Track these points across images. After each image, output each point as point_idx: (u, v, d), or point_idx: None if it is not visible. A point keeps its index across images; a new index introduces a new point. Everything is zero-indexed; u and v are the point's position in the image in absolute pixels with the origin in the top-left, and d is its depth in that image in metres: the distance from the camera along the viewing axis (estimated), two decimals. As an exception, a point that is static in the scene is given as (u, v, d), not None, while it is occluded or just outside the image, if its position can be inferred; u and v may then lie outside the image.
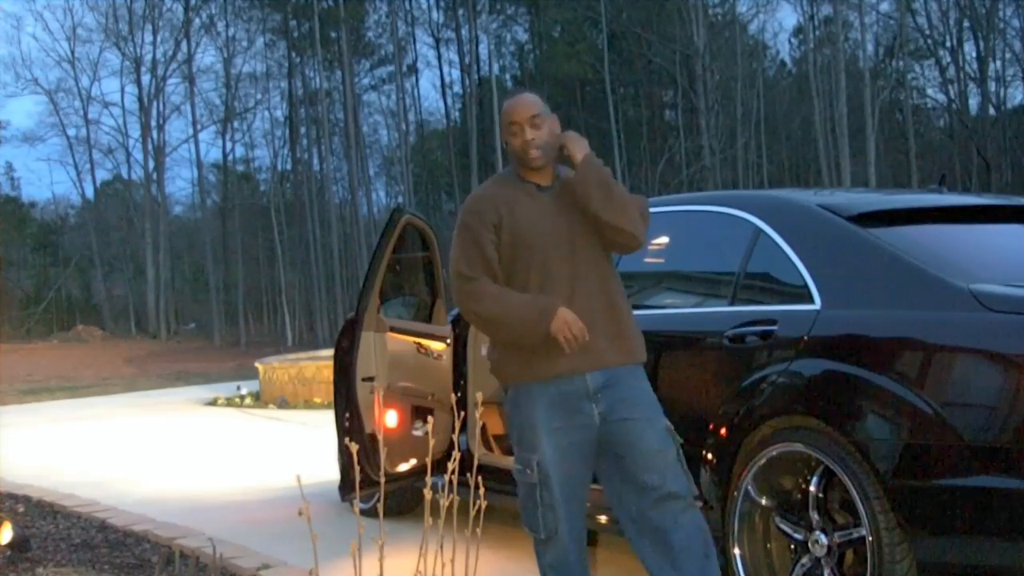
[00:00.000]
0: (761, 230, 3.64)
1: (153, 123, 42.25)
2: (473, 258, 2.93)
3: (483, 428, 5.19)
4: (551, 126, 2.97)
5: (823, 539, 3.22)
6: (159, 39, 42.07)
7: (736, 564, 3.44)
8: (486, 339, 5.15)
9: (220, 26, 41.24)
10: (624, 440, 2.89)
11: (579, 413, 2.89)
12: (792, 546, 3.35)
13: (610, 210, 2.88)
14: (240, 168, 47.42)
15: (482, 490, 2.68)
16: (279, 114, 43.28)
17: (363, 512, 2.82)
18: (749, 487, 3.41)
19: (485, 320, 2.97)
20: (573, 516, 2.94)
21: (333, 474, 4.79)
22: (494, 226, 2.93)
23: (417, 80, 45.54)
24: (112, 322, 44.94)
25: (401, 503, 4.98)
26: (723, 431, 3.51)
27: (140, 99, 42.33)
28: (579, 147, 2.95)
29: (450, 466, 2.66)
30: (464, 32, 42.59)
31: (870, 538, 3.03)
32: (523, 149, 2.94)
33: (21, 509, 5.51)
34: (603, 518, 3.82)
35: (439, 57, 44.76)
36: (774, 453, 3.34)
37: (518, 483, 2.94)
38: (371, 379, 4.46)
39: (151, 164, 42.24)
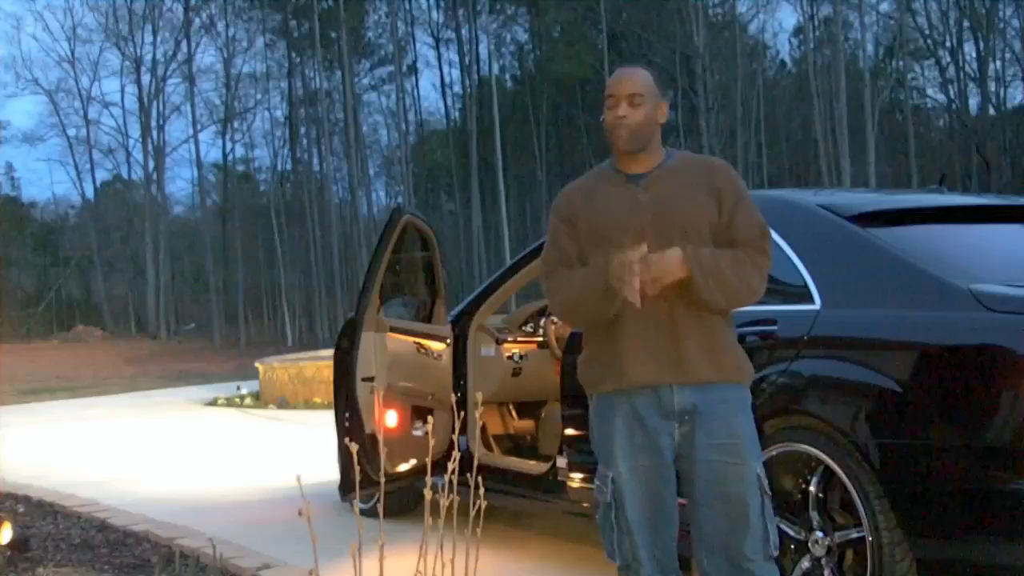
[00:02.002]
0: (761, 230, 3.63)
1: (153, 123, 42.33)
2: (550, 255, 2.74)
3: (483, 428, 5.20)
4: (654, 111, 2.66)
5: (823, 539, 3.23)
6: (159, 39, 42.22)
7: (736, 564, 3.43)
8: (487, 339, 5.21)
9: (220, 26, 41.38)
10: (702, 484, 2.60)
11: (661, 432, 2.62)
12: (792, 546, 3.35)
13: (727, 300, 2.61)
14: (240, 168, 47.53)
15: (482, 490, 2.67)
16: (279, 114, 43.43)
17: (363, 512, 2.80)
18: (749, 487, 3.40)
19: (565, 309, 2.73)
20: (657, 543, 2.64)
21: (333, 474, 4.79)
22: (570, 219, 2.72)
23: (417, 80, 45.70)
24: (112, 322, 45.00)
25: (401, 503, 4.98)
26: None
27: (140, 99, 42.41)
28: (671, 272, 2.51)
29: (450, 466, 2.65)
30: (464, 32, 42.70)
31: (870, 538, 3.03)
32: (611, 126, 2.64)
33: (21, 509, 5.50)
34: None
35: (439, 57, 44.92)
36: (774, 453, 3.34)
37: (598, 503, 2.72)
38: (371, 379, 4.46)
39: (151, 164, 42.33)
